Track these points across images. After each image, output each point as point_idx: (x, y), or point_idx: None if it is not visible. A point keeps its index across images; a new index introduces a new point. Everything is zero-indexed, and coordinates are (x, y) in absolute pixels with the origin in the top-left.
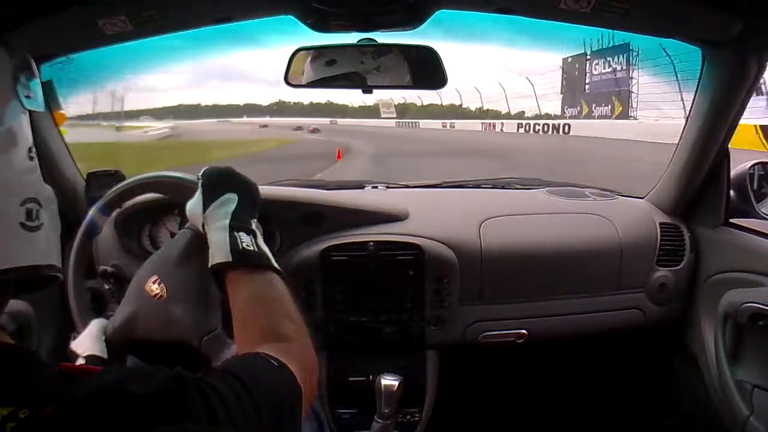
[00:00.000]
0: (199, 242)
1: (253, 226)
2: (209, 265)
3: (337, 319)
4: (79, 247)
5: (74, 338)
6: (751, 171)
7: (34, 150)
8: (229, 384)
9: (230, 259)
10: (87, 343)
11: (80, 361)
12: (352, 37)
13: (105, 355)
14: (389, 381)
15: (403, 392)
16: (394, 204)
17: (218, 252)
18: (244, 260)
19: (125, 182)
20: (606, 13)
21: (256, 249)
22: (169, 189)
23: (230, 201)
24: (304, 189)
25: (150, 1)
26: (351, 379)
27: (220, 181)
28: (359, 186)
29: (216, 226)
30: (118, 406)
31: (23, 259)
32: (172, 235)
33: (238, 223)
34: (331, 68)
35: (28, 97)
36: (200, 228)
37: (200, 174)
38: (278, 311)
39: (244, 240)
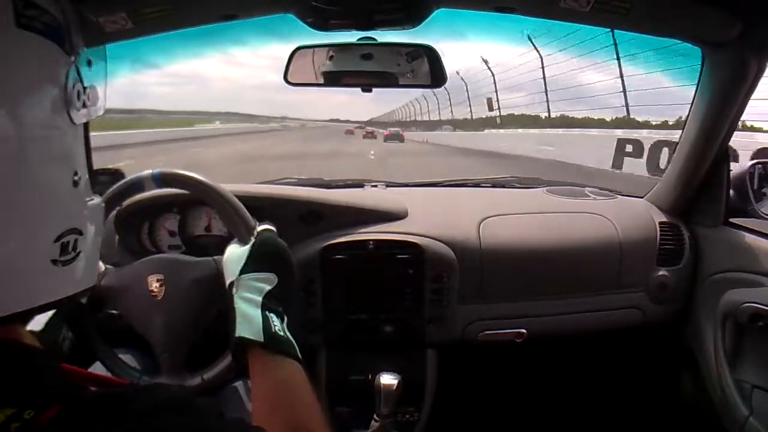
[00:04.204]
0: (218, 281)
1: (281, 310)
2: (236, 335)
3: (337, 317)
4: None
5: None
6: (751, 170)
7: (80, 173)
8: None
9: (262, 340)
10: None
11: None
12: (351, 36)
13: (83, 301)
14: (388, 380)
15: (402, 391)
16: (394, 203)
17: (248, 326)
18: (274, 344)
19: (199, 177)
20: (606, 12)
21: (284, 335)
22: (224, 216)
23: (270, 281)
24: (303, 188)
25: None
26: (350, 377)
27: (270, 257)
28: (359, 184)
29: (248, 296)
30: (125, 410)
31: (52, 296)
32: (171, 233)
33: (270, 304)
34: (368, 63)
35: (83, 105)
36: (227, 280)
37: (257, 230)
38: (307, 406)
39: (275, 323)
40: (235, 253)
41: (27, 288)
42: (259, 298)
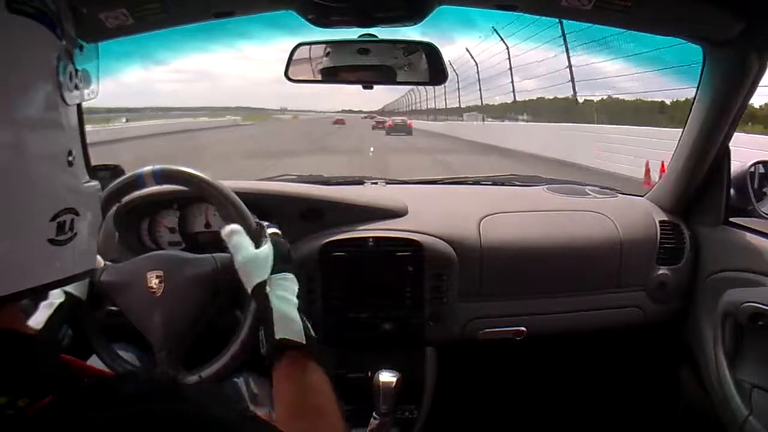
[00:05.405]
0: (217, 278)
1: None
2: (275, 336)
3: (336, 315)
4: None
5: None
6: (752, 170)
7: (74, 153)
8: None
9: (304, 342)
10: None
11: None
12: (354, 33)
13: (83, 297)
14: (388, 377)
15: (402, 389)
16: (394, 200)
17: (288, 327)
18: (312, 348)
19: (200, 174)
20: (607, 10)
21: (315, 338)
22: (224, 213)
23: (296, 282)
24: (304, 184)
25: None
26: (349, 375)
27: (290, 260)
28: (359, 182)
29: (285, 296)
30: (114, 397)
31: (51, 275)
32: (171, 230)
33: (301, 305)
34: (365, 57)
35: (76, 87)
36: (253, 280)
37: (270, 232)
38: (332, 412)
39: (309, 326)
40: (260, 254)
41: (25, 267)
42: (295, 300)
